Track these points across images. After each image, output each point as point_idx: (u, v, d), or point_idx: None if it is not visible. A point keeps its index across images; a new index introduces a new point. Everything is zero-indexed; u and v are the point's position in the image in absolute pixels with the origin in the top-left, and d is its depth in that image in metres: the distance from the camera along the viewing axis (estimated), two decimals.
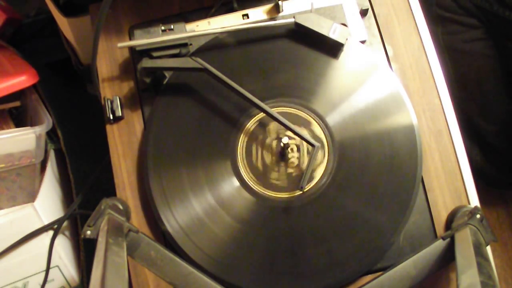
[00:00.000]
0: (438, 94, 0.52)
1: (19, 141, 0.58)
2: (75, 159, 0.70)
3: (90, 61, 0.52)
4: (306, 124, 0.49)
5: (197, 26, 0.53)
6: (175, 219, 0.48)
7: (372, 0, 0.54)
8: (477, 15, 0.77)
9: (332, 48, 0.51)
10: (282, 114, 0.49)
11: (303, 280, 0.46)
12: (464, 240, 0.42)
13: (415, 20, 0.54)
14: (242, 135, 0.50)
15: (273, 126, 0.50)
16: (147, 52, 0.50)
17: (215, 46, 0.53)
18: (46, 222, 0.62)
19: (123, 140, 0.52)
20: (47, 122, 0.61)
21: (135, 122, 0.53)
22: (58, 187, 0.69)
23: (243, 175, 0.49)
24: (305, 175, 0.46)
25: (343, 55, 0.51)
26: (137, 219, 0.50)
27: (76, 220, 0.70)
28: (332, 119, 0.50)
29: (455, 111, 0.51)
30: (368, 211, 0.47)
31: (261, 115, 0.50)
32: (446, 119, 0.51)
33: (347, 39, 0.51)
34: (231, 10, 0.54)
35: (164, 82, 0.52)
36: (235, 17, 0.54)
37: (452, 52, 0.81)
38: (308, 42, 0.52)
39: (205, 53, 0.52)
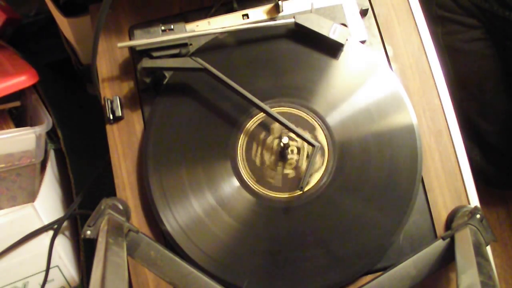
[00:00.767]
0: (438, 94, 0.52)
1: (19, 141, 0.58)
2: (75, 159, 0.70)
3: (90, 61, 0.52)
4: (306, 124, 0.49)
5: (197, 26, 0.53)
6: (175, 219, 0.48)
7: (372, 0, 0.54)
8: (477, 15, 0.77)
9: (332, 48, 0.51)
10: (282, 114, 0.49)
11: (303, 280, 0.46)
12: (464, 240, 0.42)
13: (415, 20, 0.54)
14: (242, 135, 0.50)
15: (273, 126, 0.50)
16: (147, 52, 0.50)
17: (215, 46, 0.53)
18: (46, 222, 0.62)
19: (123, 140, 0.52)
20: (47, 122, 0.61)
21: (135, 122, 0.53)
22: (58, 187, 0.69)
23: (243, 175, 0.49)
24: (305, 175, 0.46)
25: (343, 55, 0.51)
26: (137, 219, 0.50)
27: (76, 220, 0.70)
28: (332, 119, 0.50)
29: (455, 111, 0.51)
30: (368, 211, 0.47)
31: (261, 115, 0.50)
32: (446, 119, 0.51)
33: (347, 39, 0.51)
34: (231, 10, 0.54)
35: (164, 82, 0.52)
36: (235, 17, 0.54)
37: (452, 52, 0.81)
38: (308, 42, 0.52)
39: (205, 53, 0.52)
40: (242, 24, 0.52)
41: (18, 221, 0.60)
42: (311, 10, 0.52)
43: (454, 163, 0.50)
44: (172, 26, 0.52)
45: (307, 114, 0.50)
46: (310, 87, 0.51)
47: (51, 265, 0.63)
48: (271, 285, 0.47)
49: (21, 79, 0.60)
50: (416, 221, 0.48)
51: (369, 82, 0.50)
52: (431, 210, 0.49)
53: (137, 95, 0.53)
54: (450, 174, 0.50)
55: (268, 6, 0.54)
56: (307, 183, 0.48)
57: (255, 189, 0.48)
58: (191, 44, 0.53)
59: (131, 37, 0.53)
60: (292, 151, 0.49)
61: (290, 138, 0.49)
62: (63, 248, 0.65)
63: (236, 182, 0.49)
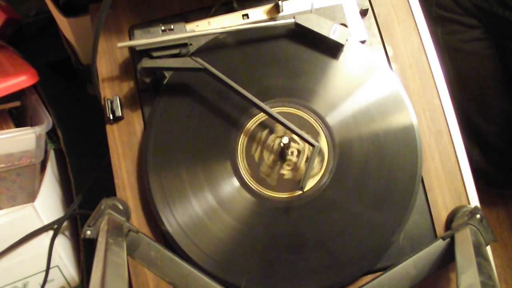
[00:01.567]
0: (438, 94, 0.52)
1: (19, 141, 0.58)
2: (75, 159, 0.70)
3: (90, 61, 0.52)
4: (306, 124, 0.49)
5: (197, 26, 0.53)
6: (175, 219, 0.48)
7: (372, 0, 0.54)
8: (476, 15, 0.77)
9: (332, 49, 0.51)
10: (282, 114, 0.49)
11: (303, 280, 0.46)
12: (464, 240, 0.42)
13: (415, 20, 0.54)
14: (242, 135, 0.50)
15: (273, 126, 0.50)
16: (147, 52, 0.50)
17: (215, 46, 0.53)
18: (46, 222, 0.62)
19: (123, 140, 0.52)
20: (47, 122, 0.61)
21: (135, 122, 0.53)
22: (58, 187, 0.69)
23: (243, 175, 0.49)
24: (305, 175, 0.46)
25: (343, 55, 0.51)
26: (137, 219, 0.50)
27: (76, 220, 0.70)
28: (332, 119, 0.50)
29: (455, 111, 0.51)
30: (368, 211, 0.47)
31: (261, 115, 0.50)
32: (446, 119, 0.51)
33: (347, 39, 0.51)
34: (231, 10, 0.54)
35: (164, 82, 0.52)
36: (235, 17, 0.54)
37: (452, 52, 0.81)
38: (308, 43, 0.52)
39: (205, 53, 0.52)
40: (242, 24, 0.52)
41: (18, 221, 0.60)
42: (311, 10, 0.52)
43: (454, 163, 0.50)
44: (172, 26, 0.52)
45: (307, 114, 0.50)
46: (310, 87, 0.51)
47: (51, 265, 0.63)
48: (271, 285, 0.47)
49: (21, 79, 0.60)
50: (416, 221, 0.48)
51: (369, 82, 0.50)
52: (431, 210, 0.49)
53: (137, 95, 0.53)
54: (450, 174, 0.50)
55: (268, 6, 0.54)
56: (307, 183, 0.48)
57: (255, 189, 0.48)
58: (191, 44, 0.53)
59: (131, 37, 0.53)
60: (292, 152, 0.49)
61: (292, 140, 0.49)
62: (63, 248, 0.65)
63: (236, 182, 0.49)
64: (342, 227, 0.47)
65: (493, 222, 1.02)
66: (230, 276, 0.46)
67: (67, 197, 0.71)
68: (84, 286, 0.67)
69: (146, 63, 0.50)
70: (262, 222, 0.48)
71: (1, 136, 0.56)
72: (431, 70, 0.52)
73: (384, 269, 0.45)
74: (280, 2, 0.52)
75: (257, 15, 0.54)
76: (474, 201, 0.49)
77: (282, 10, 0.54)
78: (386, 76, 0.51)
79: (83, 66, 0.77)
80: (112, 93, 0.54)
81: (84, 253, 0.66)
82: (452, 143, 0.50)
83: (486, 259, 0.38)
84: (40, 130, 0.59)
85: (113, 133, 0.53)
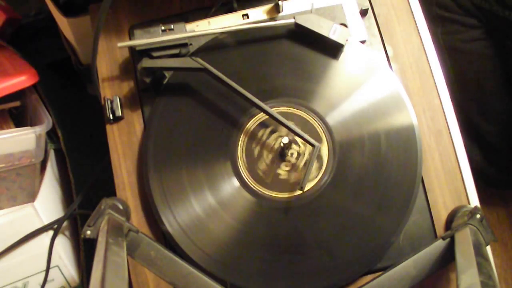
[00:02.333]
0: (438, 94, 0.52)
1: (19, 141, 0.58)
2: (75, 159, 0.70)
3: (90, 61, 0.52)
4: (306, 124, 0.49)
5: (197, 26, 0.53)
6: (175, 219, 0.48)
7: (372, 0, 0.54)
8: (476, 15, 0.77)
9: (332, 49, 0.51)
10: (282, 114, 0.49)
11: (303, 280, 0.46)
12: (464, 240, 0.42)
13: (415, 20, 0.54)
14: (242, 135, 0.50)
15: (273, 126, 0.50)
16: (147, 52, 0.50)
17: (215, 46, 0.53)
18: (46, 222, 0.62)
19: (123, 140, 0.52)
20: (47, 122, 0.61)
21: (135, 122, 0.53)
22: (58, 187, 0.69)
23: (243, 175, 0.49)
24: (305, 175, 0.46)
25: (343, 55, 0.51)
26: (137, 219, 0.50)
27: (76, 220, 0.70)
28: (332, 119, 0.50)
29: (455, 111, 0.51)
30: (368, 211, 0.47)
31: (262, 115, 0.50)
32: (446, 119, 0.51)
33: (347, 40, 0.51)
34: (231, 10, 0.54)
35: (164, 82, 0.52)
36: (235, 17, 0.54)
37: (452, 52, 0.81)
38: (308, 43, 0.52)
39: (205, 53, 0.52)
40: (242, 24, 0.52)
41: (18, 221, 0.60)
42: (311, 10, 0.52)
43: (454, 163, 0.50)
44: (172, 26, 0.52)
45: (307, 114, 0.50)
46: (310, 87, 0.51)
47: (51, 265, 0.63)
48: (271, 285, 0.47)
49: (21, 79, 0.60)
50: (416, 221, 0.48)
51: (369, 82, 0.50)
52: (431, 210, 0.49)
53: (137, 95, 0.53)
54: (450, 174, 0.50)
55: (268, 6, 0.54)
56: (307, 183, 0.48)
57: (255, 189, 0.48)
58: (191, 44, 0.53)
59: (131, 37, 0.53)
60: (292, 154, 0.49)
61: (292, 142, 0.49)
62: (63, 248, 0.65)
63: (236, 182, 0.49)
64: (342, 227, 0.47)
65: (493, 222, 1.02)
66: (230, 276, 0.46)
67: (67, 197, 0.71)
68: (84, 286, 0.67)
69: (146, 63, 0.50)
70: (262, 222, 0.48)
71: (1, 136, 0.56)
72: (431, 70, 0.52)
73: (384, 269, 0.45)
74: (280, 2, 0.52)
75: (257, 15, 0.54)
76: (474, 201, 0.49)
77: (282, 10, 0.54)
78: (386, 76, 0.51)
79: (83, 66, 0.77)
80: (112, 93, 0.54)
81: (84, 253, 0.66)
82: (452, 143, 0.50)
83: (486, 259, 0.38)
84: (40, 130, 0.59)
85: (113, 133, 0.53)
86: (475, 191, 0.50)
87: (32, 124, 0.66)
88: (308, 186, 0.48)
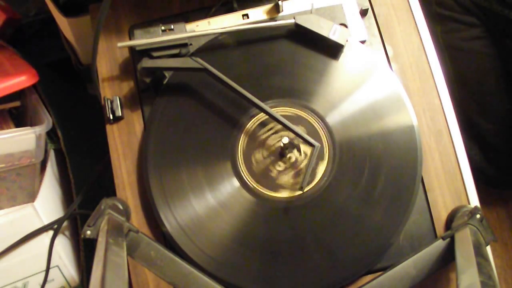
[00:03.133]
0: (438, 94, 0.52)
1: (19, 141, 0.58)
2: (75, 159, 0.70)
3: (90, 61, 0.52)
4: (306, 125, 0.49)
5: (197, 26, 0.53)
6: (175, 219, 0.48)
7: (372, 0, 0.54)
8: (476, 13, 0.77)
9: (332, 49, 0.51)
10: (282, 114, 0.49)
11: (303, 280, 0.46)
12: (464, 240, 0.42)
13: (415, 20, 0.54)
14: (242, 135, 0.50)
15: (273, 126, 0.50)
16: (147, 52, 0.50)
17: (215, 46, 0.53)
18: (46, 222, 0.62)
19: (123, 140, 0.52)
20: (47, 122, 0.61)
21: (135, 122, 0.53)
22: (58, 187, 0.69)
23: (243, 175, 0.49)
24: (305, 175, 0.46)
25: (343, 55, 0.51)
26: (137, 219, 0.50)
27: (76, 220, 0.70)
28: (332, 119, 0.50)
29: (454, 110, 0.51)
30: (367, 211, 0.47)
31: (262, 115, 0.50)
32: (446, 119, 0.51)
33: (347, 40, 0.51)
34: (231, 10, 0.54)
35: (164, 82, 0.52)
36: (235, 17, 0.54)
37: (452, 51, 0.81)
38: (308, 43, 0.52)
39: (205, 53, 0.52)
40: (242, 24, 0.52)
41: (18, 221, 0.60)
42: (311, 11, 0.52)
43: (454, 163, 0.50)
44: (172, 26, 0.52)
45: (307, 114, 0.50)
46: (310, 88, 0.51)
47: (51, 265, 0.63)
48: (271, 285, 0.47)
49: (21, 79, 0.60)
50: (416, 221, 0.48)
51: (369, 82, 0.50)
52: (431, 210, 0.49)
53: (137, 95, 0.53)
54: (450, 174, 0.50)
55: (268, 6, 0.54)
56: (308, 183, 0.48)
57: (255, 189, 0.48)
58: (191, 44, 0.53)
59: (131, 37, 0.53)
60: (290, 158, 0.49)
61: (293, 146, 0.49)
62: (63, 248, 0.65)
63: (236, 182, 0.49)
64: (342, 227, 0.47)
65: (493, 222, 1.02)
66: (230, 276, 0.46)
67: (67, 197, 0.71)
68: (84, 286, 0.67)
69: (146, 63, 0.50)
70: (262, 222, 0.48)
71: (1, 136, 0.56)
72: (431, 70, 0.52)
73: (384, 269, 0.45)
74: (280, 2, 0.52)
75: (257, 15, 0.54)
76: (474, 201, 0.49)
77: (282, 10, 0.54)
78: (386, 76, 0.51)
79: (83, 66, 0.77)
80: (112, 93, 0.54)
81: (84, 253, 0.66)
82: (452, 143, 0.50)
83: (486, 259, 0.38)
84: (40, 130, 0.59)
85: (113, 133, 0.53)
86: (475, 191, 0.50)
87: (32, 124, 0.66)
88: (308, 186, 0.48)
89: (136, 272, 0.49)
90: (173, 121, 0.51)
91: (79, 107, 0.82)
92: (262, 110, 0.48)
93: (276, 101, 0.50)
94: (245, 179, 0.49)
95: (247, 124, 0.50)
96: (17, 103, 0.66)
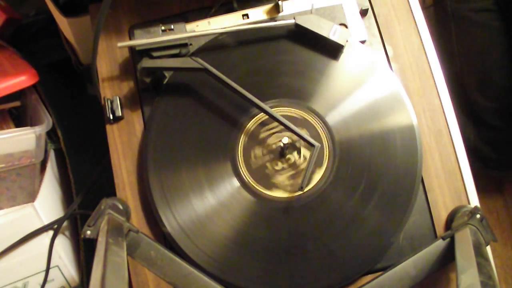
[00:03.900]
0: (438, 94, 0.52)
1: (19, 141, 0.58)
2: (75, 159, 0.70)
3: (90, 61, 0.52)
4: (306, 125, 0.49)
5: (197, 26, 0.53)
6: (175, 219, 0.48)
7: (372, 0, 0.54)
8: None
9: (332, 49, 0.51)
10: (282, 114, 0.49)
11: (303, 280, 0.46)
12: (464, 240, 0.42)
13: (415, 20, 0.54)
14: (242, 135, 0.50)
15: (273, 126, 0.50)
16: (147, 52, 0.50)
17: (215, 46, 0.53)
18: (46, 222, 0.62)
19: (123, 140, 0.52)
20: (47, 122, 0.61)
21: (135, 122, 0.53)
22: (58, 187, 0.69)
23: (243, 175, 0.49)
24: (305, 175, 0.46)
25: (343, 55, 0.51)
26: (137, 219, 0.50)
27: (76, 220, 0.70)
28: (332, 119, 0.50)
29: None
30: (368, 211, 0.47)
31: (262, 115, 0.50)
32: (446, 119, 0.51)
33: (347, 40, 0.51)
34: (231, 10, 0.54)
35: (164, 82, 0.52)
36: (235, 17, 0.54)
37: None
38: (308, 43, 0.52)
39: (205, 53, 0.52)
40: (242, 24, 0.52)
41: (18, 221, 0.60)
42: (311, 11, 0.52)
43: (454, 163, 0.50)
44: (172, 26, 0.52)
45: (307, 114, 0.50)
46: (310, 88, 0.51)
47: (51, 265, 0.63)
48: (271, 285, 0.47)
49: (21, 79, 0.60)
50: (416, 221, 0.48)
51: (369, 82, 0.50)
52: (431, 210, 0.49)
53: (137, 95, 0.53)
54: (450, 174, 0.50)
55: (268, 6, 0.54)
56: (308, 183, 0.48)
57: (255, 189, 0.48)
58: (191, 44, 0.53)
59: (131, 37, 0.53)
60: (290, 158, 0.49)
61: (293, 146, 0.49)
62: (63, 248, 0.65)
63: (236, 182, 0.49)
64: (342, 227, 0.47)
65: (493, 222, 1.02)
66: (230, 276, 0.46)
67: (67, 197, 0.71)
68: (84, 286, 0.67)
69: (146, 63, 0.50)
70: (262, 222, 0.48)
71: (1, 136, 0.56)
72: (431, 70, 0.52)
73: (384, 269, 0.45)
74: (280, 2, 0.53)
75: (257, 15, 0.54)
76: (474, 201, 0.49)
77: (282, 10, 0.54)
78: (386, 76, 0.51)
79: (83, 66, 0.77)
80: (112, 93, 0.54)
81: (84, 253, 0.66)
82: (452, 143, 0.50)
83: (486, 259, 0.38)
84: (40, 130, 0.59)
85: (113, 133, 0.53)
86: (475, 191, 0.50)
87: (32, 124, 0.66)
88: (308, 187, 0.48)
89: (136, 272, 0.49)
90: (173, 121, 0.51)
91: (79, 107, 0.82)
92: (262, 110, 0.48)
93: (276, 101, 0.50)
94: (245, 179, 0.49)
95: (247, 124, 0.50)
96: (17, 103, 0.66)
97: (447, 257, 0.44)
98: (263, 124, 0.50)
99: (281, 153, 0.49)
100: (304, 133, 0.48)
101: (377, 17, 0.54)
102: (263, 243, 0.47)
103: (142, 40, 0.50)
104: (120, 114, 0.52)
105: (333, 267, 0.46)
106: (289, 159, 0.49)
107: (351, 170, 0.48)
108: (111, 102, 0.53)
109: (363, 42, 0.53)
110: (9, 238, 0.60)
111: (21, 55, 0.71)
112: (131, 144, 0.52)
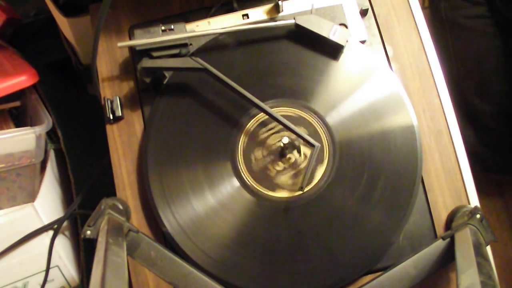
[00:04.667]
0: (438, 94, 0.52)
1: (19, 141, 0.58)
2: (75, 159, 0.70)
3: (90, 61, 0.52)
4: (306, 125, 0.49)
5: (197, 26, 0.53)
6: (175, 219, 0.48)
7: (372, 0, 0.54)
8: None
9: (332, 50, 0.51)
10: (282, 114, 0.49)
11: (303, 280, 0.46)
12: (464, 240, 0.42)
13: (415, 20, 0.54)
14: (242, 135, 0.50)
15: (273, 126, 0.50)
16: (147, 52, 0.50)
17: (215, 46, 0.53)
18: (46, 222, 0.62)
19: (123, 140, 0.52)
20: (47, 122, 0.61)
21: (135, 122, 0.53)
22: (58, 187, 0.69)
23: (243, 175, 0.49)
24: (305, 175, 0.46)
25: (343, 55, 0.51)
26: (137, 219, 0.50)
27: (76, 220, 0.70)
28: (332, 119, 0.50)
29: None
30: (367, 211, 0.47)
31: (262, 115, 0.50)
32: (446, 119, 0.51)
33: (347, 41, 0.51)
34: (231, 10, 0.54)
35: (164, 82, 0.52)
36: (235, 17, 0.54)
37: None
38: (308, 43, 0.52)
39: (205, 53, 0.52)
40: (242, 24, 0.52)
41: (18, 221, 0.60)
42: (311, 11, 0.52)
43: (454, 163, 0.50)
44: (172, 26, 0.52)
45: (307, 115, 0.50)
46: (310, 88, 0.51)
47: (51, 265, 0.63)
48: (271, 285, 0.47)
49: (21, 79, 0.60)
50: (416, 221, 0.48)
51: (369, 82, 0.50)
52: (431, 210, 0.49)
53: (137, 95, 0.53)
54: (450, 174, 0.50)
55: (268, 6, 0.54)
56: (308, 183, 0.48)
57: (255, 189, 0.48)
58: (191, 44, 0.53)
59: (131, 37, 0.53)
60: (290, 158, 0.49)
61: (293, 146, 0.49)
62: (63, 248, 0.65)
63: (236, 182, 0.49)
64: (342, 227, 0.47)
65: (493, 222, 1.02)
66: (230, 276, 0.46)
67: (67, 197, 0.71)
68: (84, 286, 0.67)
69: (146, 63, 0.50)
70: (262, 222, 0.48)
71: (1, 136, 0.56)
72: (431, 70, 0.52)
73: (384, 269, 0.45)
74: (280, 2, 0.52)
75: (257, 15, 0.54)
76: (474, 201, 0.49)
77: (282, 10, 0.54)
78: (386, 76, 0.51)
79: (83, 66, 0.77)
80: (112, 93, 0.54)
81: (84, 253, 0.66)
82: (452, 143, 0.50)
83: (486, 259, 0.38)
84: (40, 130, 0.59)
85: (113, 133, 0.53)
86: (475, 191, 0.50)
87: (32, 124, 0.66)
88: (308, 187, 0.48)
89: (136, 272, 0.49)
90: (173, 121, 0.51)
91: (79, 107, 0.82)
92: (262, 110, 0.48)
93: (276, 101, 0.50)
94: (245, 179, 0.49)
95: (247, 124, 0.50)
96: (17, 103, 0.66)
97: (447, 257, 0.44)
98: (263, 124, 0.50)
99: (281, 153, 0.49)
100: (304, 133, 0.48)
101: (377, 17, 0.54)
102: (263, 243, 0.47)
103: (142, 40, 0.50)
104: (120, 114, 0.52)
105: (333, 267, 0.46)
106: (289, 158, 0.49)
107: (350, 170, 0.48)
108: (111, 102, 0.53)
109: (363, 42, 0.53)
110: (9, 238, 0.60)
111: (21, 55, 0.71)
112: (131, 144, 0.52)
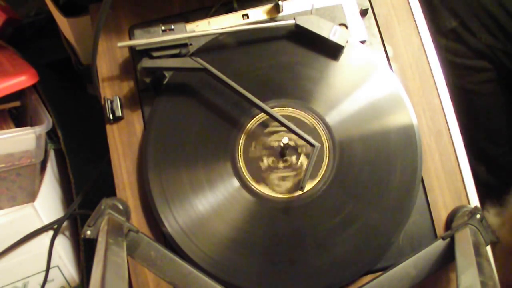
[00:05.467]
0: (438, 94, 0.52)
1: (19, 141, 0.58)
2: (75, 159, 0.70)
3: (90, 61, 0.52)
4: (306, 125, 0.49)
5: (197, 26, 0.53)
6: (175, 219, 0.48)
7: (372, 0, 0.54)
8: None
9: (332, 50, 0.51)
10: (282, 114, 0.49)
11: (303, 280, 0.46)
12: (464, 240, 0.42)
13: (415, 20, 0.54)
14: (242, 135, 0.50)
15: (273, 126, 0.50)
16: (147, 52, 0.50)
17: (215, 46, 0.53)
18: (46, 222, 0.62)
19: (123, 140, 0.52)
20: (47, 122, 0.61)
21: (135, 122, 0.53)
22: (58, 187, 0.69)
23: (243, 176, 0.49)
24: (305, 175, 0.46)
25: (343, 55, 0.51)
26: (137, 219, 0.50)
27: (76, 220, 0.70)
28: (332, 119, 0.50)
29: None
30: (368, 211, 0.47)
31: (262, 115, 0.50)
32: (446, 119, 0.51)
33: (347, 41, 0.51)
34: (231, 10, 0.54)
35: (164, 82, 0.52)
36: (235, 17, 0.54)
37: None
38: (308, 43, 0.52)
39: (205, 53, 0.52)
40: (242, 24, 0.52)
41: (18, 221, 0.60)
42: (311, 11, 0.52)
43: (454, 163, 0.50)
44: (172, 26, 0.52)
45: (307, 115, 0.50)
46: (310, 88, 0.51)
47: (51, 265, 0.63)
48: (271, 285, 0.47)
49: (21, 79, 0.60)
50: (416, 221, 0.48)
51: (369, 82, 0.50)
52: (431, 210, 0.49)
53: (137, 95, 0.53)
54: (450, 174, 0.50)
55: (268, 6, 0.54)
56: (308, 183, 0.48)
57: (255, 189, 0.48)
58: (191, 44, 0.53)
59: (131, 37, 0.53)
60: (289, 159, 0.49)
61: (293, 147, 0.49)
62: (63, 248, 0.65)
63: (236, 182, 0.49)
64: (342, 227, 0.47)
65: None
66: (230, 276, 0.46)
67: (67, 197, 0.71)
68: (84, 286, 0.67)
69: (146, 63, 0.50)
70: (262, 222, 0.48)
71: (1, 136, 0.56)
72: (431, 70, 0.52)
73: (384, 269, 0.45)
74: (280, 2, 0.52)
75: (257, 15, 0.54)
76: (474, 201, 0.49)
77: (282, 10, 0.54)
78: (386, 76, 0.51)
79: (83, 66, 0.77)
80: (112, 93, 0.54)
81: (84, 253, 0.66)
82: (452, 143, 0.50)
83: (486, 259, 0.38)
84: (40, 130, 0.59)
85: (113, 133, 0.53)
86: (475, 191, 0.50)
87: (32, 124, 0.66)
88: (308, 186, 0.48)
89: (136, 272, 0.49)
90: (173, 121, 0.51)
91: (79, 107, 0.82)
92: (262, 110, 0.48)
93: (276, 101, 0.50)
94: (245, 179, 0.49)
95: (247, 124, 0.50)
96: (17, 103, 0.66)
97: (447, 257, 0.44)
98: (263, 124, 0.50)
99: (281, 153, 0.49)
100: (304, 133, 0.48)
101: (377, 17, 0.54)
102: (263, 243, 0.47)
103: (142, 40, 0.50)
104: (120, 114, 0.52)
105: (333, 267, 0.46)
106: (289, 159, 0.49)
107: (350, 170, 0.48)
108: (111, 102, 0.53)
109: (363, 42, 0.53)
110: (9, 238, 0.60)
111: (21, 55, 0.71)
112: (131, 144, 0.52)
